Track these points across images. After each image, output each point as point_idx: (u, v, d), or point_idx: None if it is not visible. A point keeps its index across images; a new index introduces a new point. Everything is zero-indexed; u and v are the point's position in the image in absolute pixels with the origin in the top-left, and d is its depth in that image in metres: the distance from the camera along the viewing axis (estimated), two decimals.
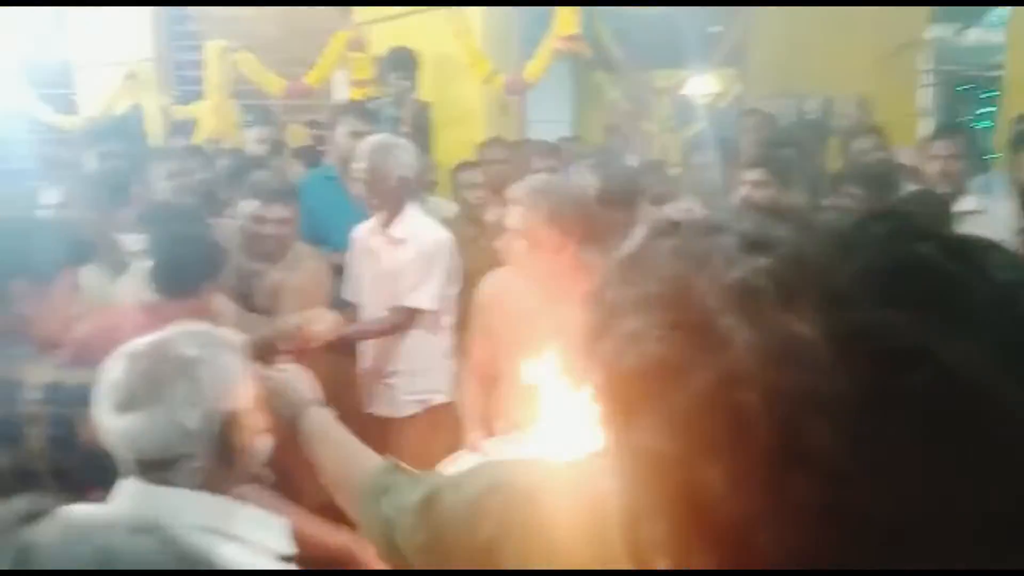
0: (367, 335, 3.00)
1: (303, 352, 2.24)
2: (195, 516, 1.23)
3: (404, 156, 2.96)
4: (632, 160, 4.63)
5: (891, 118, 4.77)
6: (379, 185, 2.91)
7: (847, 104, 5.13)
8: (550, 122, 7.85)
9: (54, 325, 1.83)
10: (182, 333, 1.33)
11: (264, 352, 1.73)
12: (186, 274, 2.11)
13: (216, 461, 1.28)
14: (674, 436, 0.45)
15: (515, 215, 2.26)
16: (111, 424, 1.24)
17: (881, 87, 5.32)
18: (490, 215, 3.67)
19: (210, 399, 1.26)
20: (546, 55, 4.36)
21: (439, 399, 2.95)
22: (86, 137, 4.17)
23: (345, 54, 4.68)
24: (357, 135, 3.62)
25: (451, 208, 3.90)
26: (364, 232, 3.09)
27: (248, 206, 2.86)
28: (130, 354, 1.27)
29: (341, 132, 3.69)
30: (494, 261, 3.27)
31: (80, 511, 1.26)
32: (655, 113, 6.25)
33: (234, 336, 1.38)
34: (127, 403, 1.23)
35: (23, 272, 1.77)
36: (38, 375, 1.70)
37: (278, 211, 2.87)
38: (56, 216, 2.94)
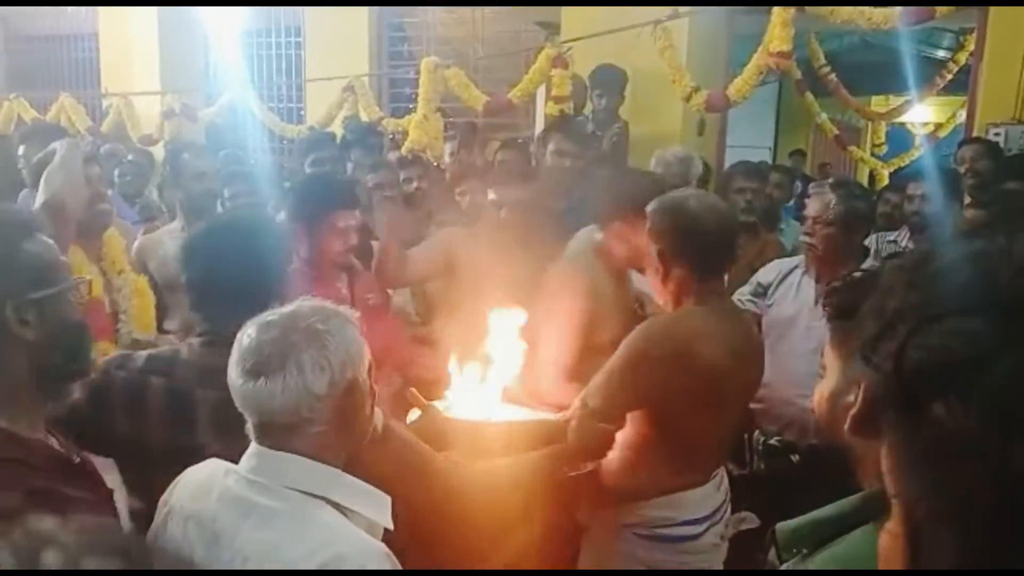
0: None
1: None
2: (304, 481, 1.31)
3: (698, 168, 3.29)
4: None
5: None
6: None
7: None
8: (751, 147, 7.62)
9: None
10: (308, 306, 1.38)
11: None
12: None
13: (335, 428, 1.33)
14: (980, 416, 0.52)
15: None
16: (243, 387, 1.30)
17: None
18: None
19: (336, 367, 1.31)
20: (753, 71, 4.19)
21: None
22: (303, 145, 4.46)
23: (548, 71, 4.75)
24: (561, 154, 3.66)
25: None
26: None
27: None
28: (260, 323, 1.34)
29: (548, 151, 3.72)
30: None
31: (203, 470, 1.40)
32: (865, 139, 5.85)
33: (352, 312, 1.41)
34: (259, 368, 1.29)
35: None
36: None
37: None
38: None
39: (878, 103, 8.69)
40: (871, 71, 7.74)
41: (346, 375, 1.32)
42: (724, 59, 5.40)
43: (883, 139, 8.26)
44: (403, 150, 5.06)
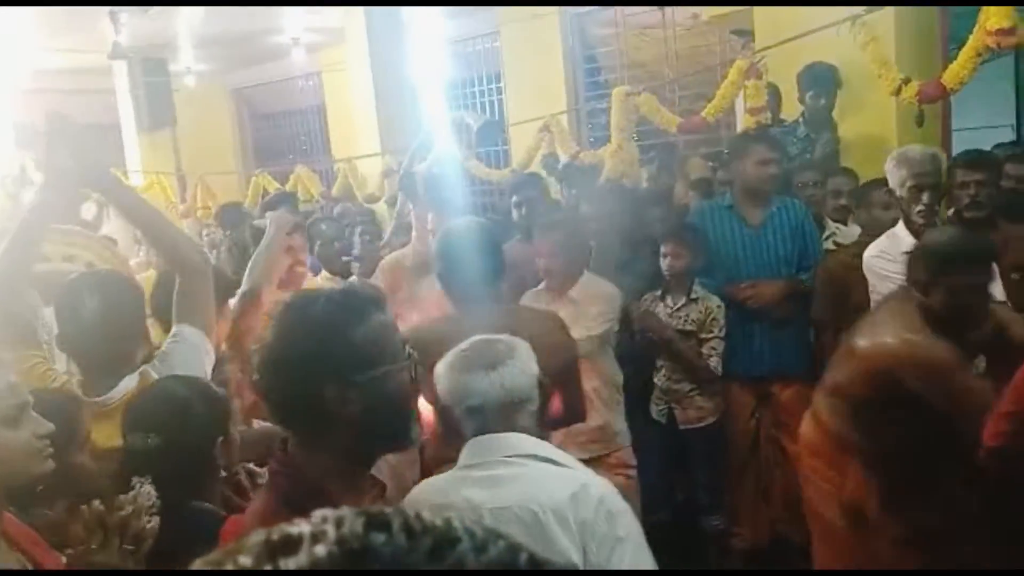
0: None
1: None
2: (527, 448, 1.70)
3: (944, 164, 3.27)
4: None
5: None
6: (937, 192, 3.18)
7: None
8: (987, 128, 6.90)
9: None
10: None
11: None
12: None
13: (539, 408, 1.76)
14: None
15: None
16: (483, 379, 1.70)
17: None
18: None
19: (532, 362, 1.77)
20: (969, 55, 3.81)
21: None
22: (508, 187, 4.64)
23: (741, 83, 4.61)
24: (764, 163, 3.60)
25: (851, 231, 3.65)
26: (889, 249, 3.08)
27: None
28: (476, 339, 1.79)
29: (750, 161, 3.67)
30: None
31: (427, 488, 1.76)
32: None
33: None
34: (495, 362, 1.72)
35: None
36: None
37: None
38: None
39: None
40: None
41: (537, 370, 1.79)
42: (940, 41, 4.97)
43: None
44: (601, 179, 5.12)
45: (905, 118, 4.75)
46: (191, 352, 2.22)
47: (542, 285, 3.39)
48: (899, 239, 3.02)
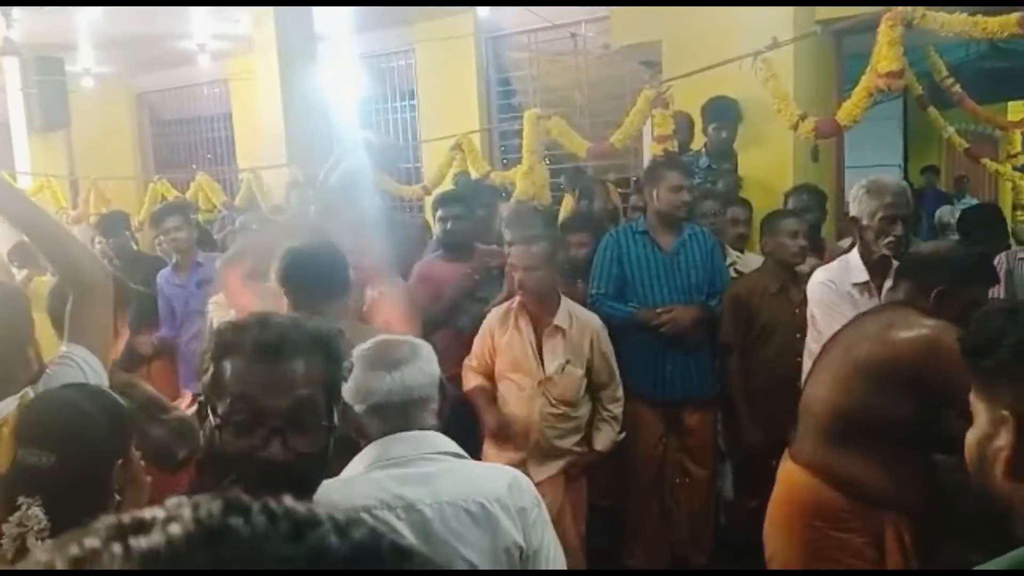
0: None
1: None
2: (444, 445, 1.73)
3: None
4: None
5: None
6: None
7: None
8: (877, 167, 7.28)
9: None
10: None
11: None
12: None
13: (439, 406, 1.77)
14: None
15: None
16: (386, 377, 1.70)
17: None
18: (805, 266, 3.54)
19: (434, 363, 1.78)
20: (862, 94, 4.01)
21: None
22: (433, 203, 4.61)
23: (648, 112, 4.72)
24: (677, 189, 3.65)
25: (750, 259, 3.76)
26: (837, 278, 2.97)
27: None
28: (379, 339, 1.81)
29: (663, 187, 3.71)
30: (801, 312, 3.10)
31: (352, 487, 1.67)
32: (1002, 149, 5.48)
33: None
34: (398, 362, 1.73)
35: None
36: None
37: None
38: None
39: (1015, 109, 8.14)
40: (1005, 76, 7.28)
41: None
42: (835, 82, 5.21)
43: (1019, 148, 7.70)
44: (511, 200, 5.14)
45: (801, 153, 4.97)
46: (80, 377, 1.99)
47: (514, 303, 3.27)
48: (851, 268, 2.94)
